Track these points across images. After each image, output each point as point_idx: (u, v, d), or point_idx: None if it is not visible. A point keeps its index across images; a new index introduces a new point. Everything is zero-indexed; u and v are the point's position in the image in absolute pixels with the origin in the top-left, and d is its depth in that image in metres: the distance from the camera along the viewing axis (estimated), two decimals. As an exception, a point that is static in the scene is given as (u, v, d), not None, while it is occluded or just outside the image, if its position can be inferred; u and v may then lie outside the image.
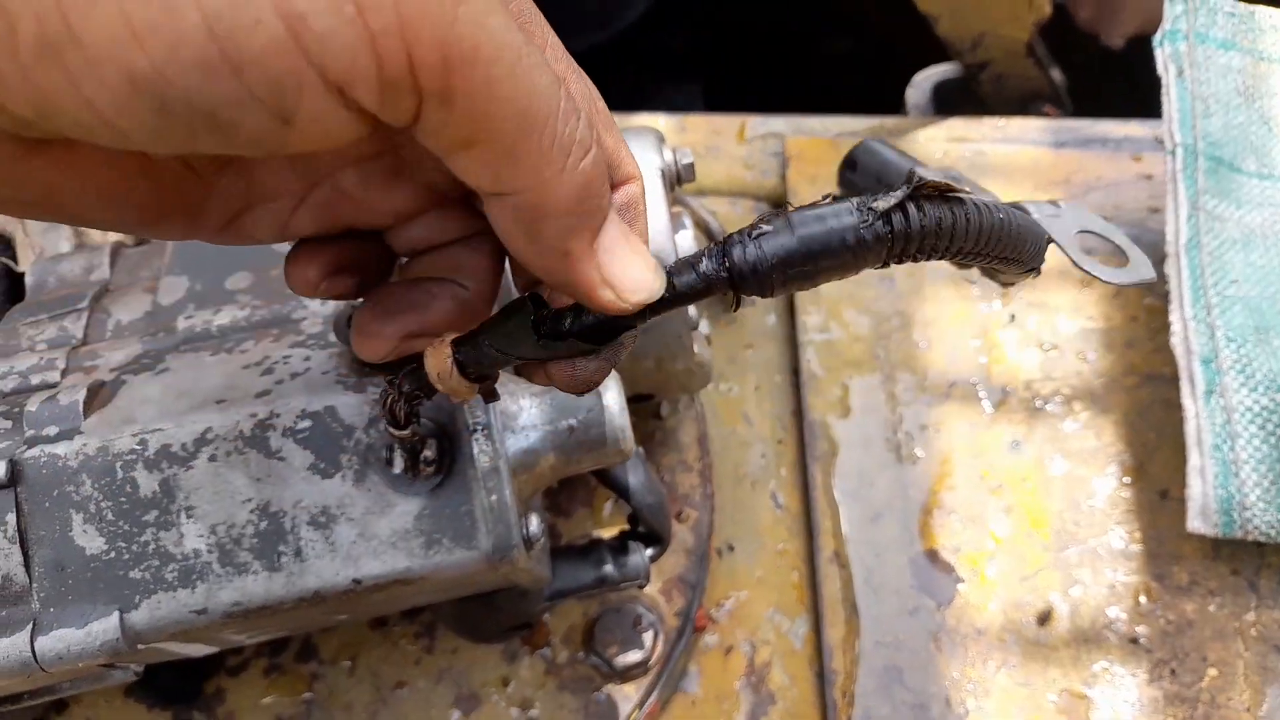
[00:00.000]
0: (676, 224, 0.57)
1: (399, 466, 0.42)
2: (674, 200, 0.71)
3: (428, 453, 0.41)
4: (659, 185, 0.55)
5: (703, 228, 0.72)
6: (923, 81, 0.92)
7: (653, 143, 0.54)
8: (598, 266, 0.28)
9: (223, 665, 0.61)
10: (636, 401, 0.63)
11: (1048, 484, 0.68)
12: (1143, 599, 0.64)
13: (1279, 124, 0.72)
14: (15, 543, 0.41)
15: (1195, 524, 0.61)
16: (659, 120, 0.83)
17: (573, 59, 0.31)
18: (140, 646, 0.42)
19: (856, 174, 0.66)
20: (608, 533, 0.57)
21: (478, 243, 0.34)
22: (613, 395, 0.46)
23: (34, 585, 0.41)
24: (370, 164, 0.32)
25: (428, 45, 0.23)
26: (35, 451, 0.42)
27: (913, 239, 0.27)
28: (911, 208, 0.27)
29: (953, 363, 0.72)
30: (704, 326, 0.61)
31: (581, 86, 0.30)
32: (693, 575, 0.64)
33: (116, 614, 0.41)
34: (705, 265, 0.28)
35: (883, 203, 0.27)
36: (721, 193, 0.82)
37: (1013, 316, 0.74)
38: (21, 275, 0.58)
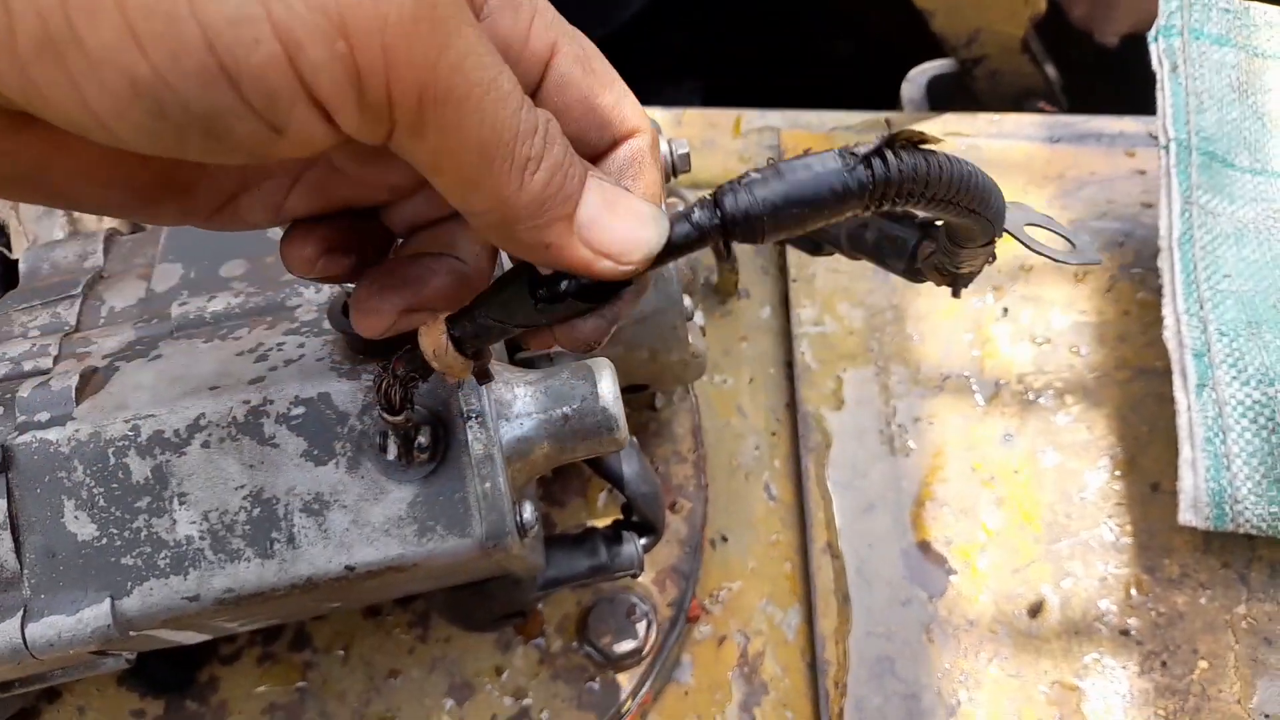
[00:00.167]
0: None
1: (393, 453, 0.41)
2: (669, 192, 0.71)
3: (421, 439, 0.41)
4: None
5: (698, 220, 0.72)
6: (918, 76, 0.93)
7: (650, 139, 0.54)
8: (585, 244, 0.29)
9: (216, 654, 0.61)
10: (631, 392, 0.63)
11: (1040, 477, 0.68)
12: (1134, 591, 0.64)
13: (1272, 119, 0.72)
14: (6, 529, 0.41)
15: (1186, 517, 0.61)
16: (655, 114, 0.83)
17: (565, 21, 0.31)
18: (132, 633, 0.42)
19: None
20: (602, 523, 0.58)
21: None
22: (607, 385, 0.46)
23: (25, 571, 0.41)
24: (361, 144, 0.32)
25: (407, 84, 0.24)
26: (27, 437, 0.42)
27: (892, 183, 0.29)
28: (889, 154, 0.29)
29: (946, 356, 0.73)
30: (699, 318, 0.62)
31: (574, 49, 0.31)
32: (686, 565, 0.64)
33: (108, 600, 0.41)
34: (699, 215, 0.29)
35: (864, 148, 0.29)
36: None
37: (1006, 310, 0.74)
38: (15, 262, 0.58)
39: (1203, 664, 0.62)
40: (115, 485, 0.42)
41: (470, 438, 0.42)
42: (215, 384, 0.43)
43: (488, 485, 0.42)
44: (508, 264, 0.43)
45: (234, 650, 0.61)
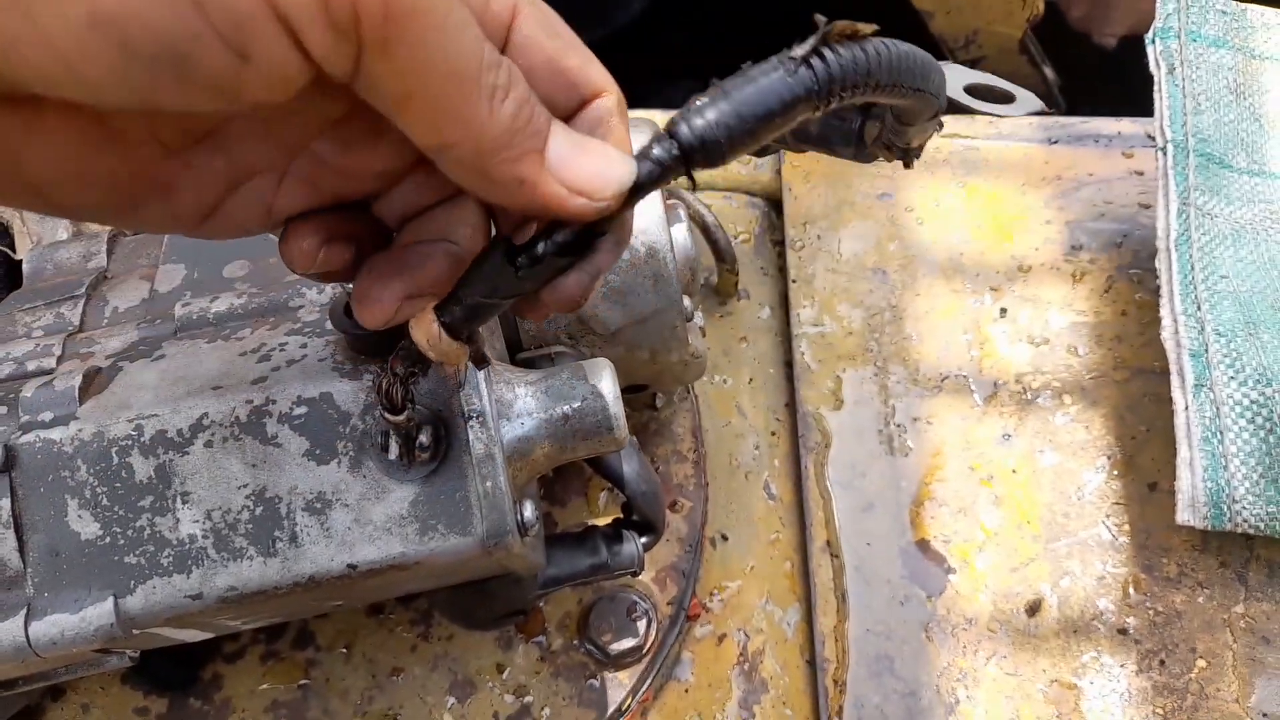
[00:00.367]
0: (671, 216, 0.57)
1: (394, 453, 0.42)
2: (669, 194, 0.71)
3: (423, 439, 0.41)
4: (654, 177, 0.55)
5: (698, 221, 0.72)
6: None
7: (650, 135, 0.55)
8: (558, 180, 0.30)
9: (219, 652, 0.61)
10: (631, 392, 0.63)
11: (1038, 476, 0.68)
12: (1132, 590, 0.65)
13: (1270, 121, 0.73)
14: (10, 528, 0.41)
15: (1184, 516, 0.61)
16: (655, 114, 0.83)
17: None
18: (135, 632, 0.42)
19: None
20: (602, 522, 0.58)
21: (462, 200, 0.34)
22: (607, 384, 0.46)
23: (28, 570, 0.41)
24: (343, 129, 0.32)
25: None
26: (30, 437, 0.42)
27: (835, 79, 0.30)
28: (827, 52, 0.29)
29: (944, 356, 0.73)
30: (699, 319, 0.62)
31: (535, 12, 0.31)
32: (686, 564, 0.65)
33: (111, 599, 0.41)
34: (657, 151, 0.30)
35: (800, 49, 0.29)
36: (717, 188, 0.83)
37: (1004, 310, 0.74)
38: (19, 263, 0.59)
39: (1201, 663, 0.62)
40: (118, 484, 0.42)
41: (471, 437, 0.42)
42: (218, 384, 0.44)
43: (489, 484, 0.42)
44: None
45: (237, 648, 0.62)
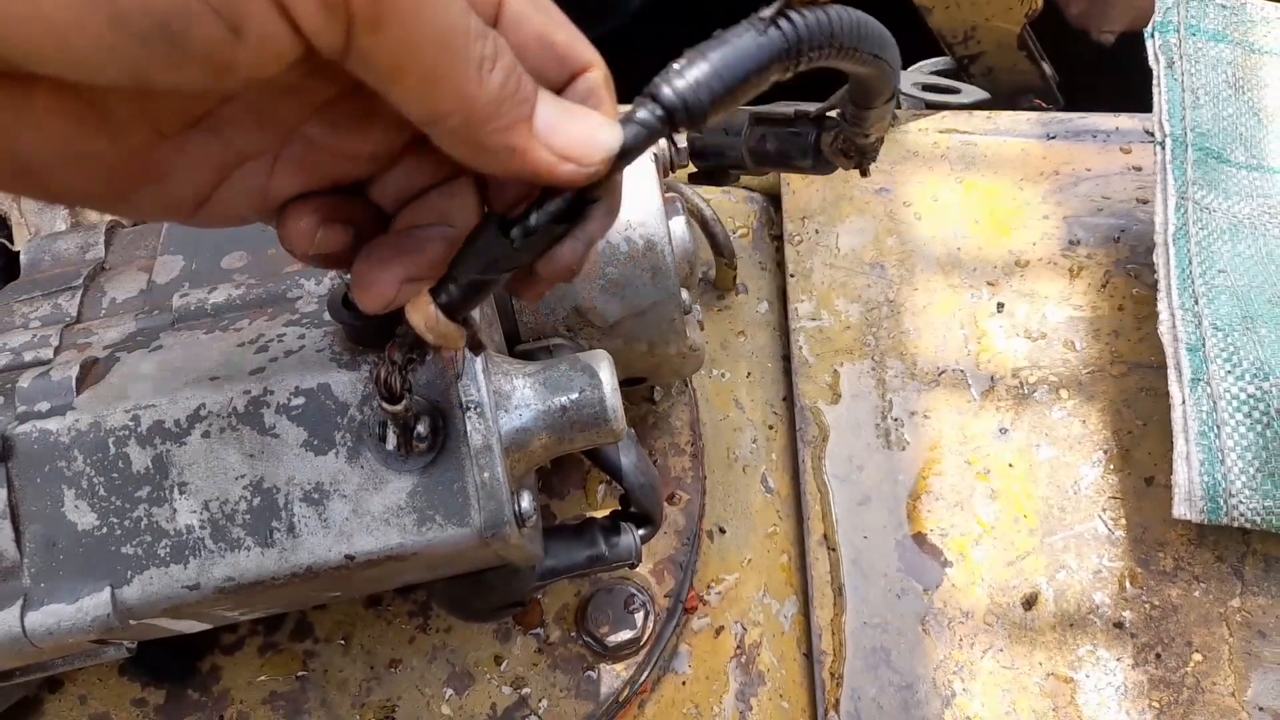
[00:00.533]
0: (670, 210, 0.57)
1: (392, 443, 0.42)
2: (668, 187, 0.71)
3: (420, 429, 0.41)
4: (653, 171, 0.55)
5: (696, 216, 0.72)
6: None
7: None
8: (547, 147, 0.30)
9: (217, 643, 0.62)
10: (629, 385, 0.63)
11: (1034, 470, 0.69)
12: (1128, 584, 0.65)
13: (1269, 116, 0.73)
14: (6, 518, 0.41)
15: (1181, 510, 0.61)
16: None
17: None
18: (132, 622, 0.42)
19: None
20: (600, 514, 0.58)
21: (457, 183, 0.34)
22: (606, 376, 0.46)
23: (25, 561, 0.41)
24: (334, 111, 0.32)
25: None
26: (27, 427, 0.42)
27: (804, 39, 0.31)
28: (793, 14, 0.31)
29: (941, 350, 0.73)
30: (697, 312, 0.62)
31: None
32: (684, 557, 0.65)
33: (108, 589, 0.41)
34: (641, 114, 0.31)
35: (767, 12, 0.31)
36: (715, 182, 0.82)
37: (1001, 305, 0.75)
38: (17, 254, 0.59)
39: (1197, 657, 0.62)
40: (115, 475, 0.42)
41: (469, 428, 0.42)
42: (216, 375, 0.44)
43: (486, 475, 0.42)
44: None
45: (235, 639, 0.62)
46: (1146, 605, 0.64)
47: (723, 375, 0.74)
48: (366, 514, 0.42)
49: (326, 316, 0.46)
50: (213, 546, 0.42)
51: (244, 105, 0.31)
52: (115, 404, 0.43)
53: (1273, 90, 0.73)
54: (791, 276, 0.77)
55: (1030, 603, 0.65)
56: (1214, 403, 0.62)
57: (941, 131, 0.83)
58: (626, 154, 0.31)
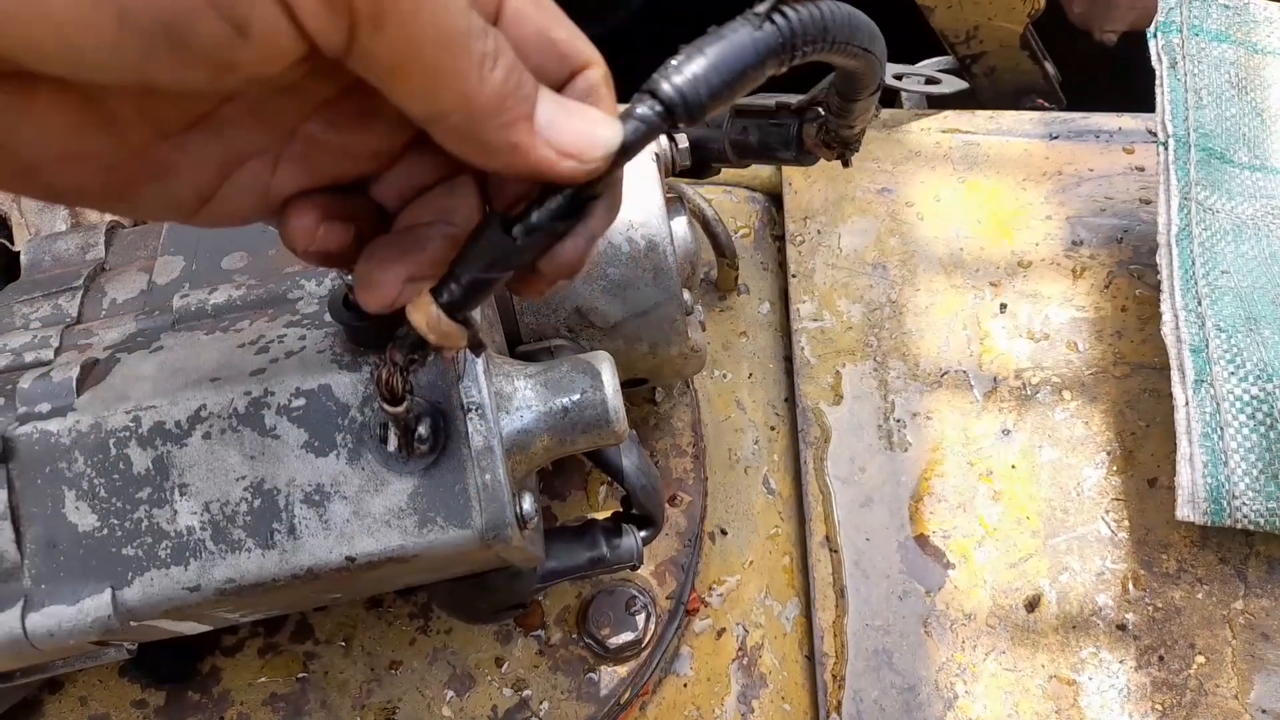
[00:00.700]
0: (672, 210, 0.57)
1: (393, 445, 0.42)
2: (670, 187, 0.71)
3: (422, 431, 0.41)
4: (654, 171, 0.55)
5: (698, 216, 0.72)
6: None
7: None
8: (548, 144, 0.30)
9: (218, 645, 0.61)
10: (631, 386, 0.63)
11: (1037, 472, 0.68)
12: (1131, 586, 0.65)
13: (1271, 116, 0.72)
14: (7, 519, 0.41)
15: (1184, 512, 0.61)
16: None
17: None
18: (133, 624, 0.42)
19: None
20: (602, 515, 0.58)
21: (459, 181, 0.34)
22: (607, 377, 0.46)
23: (25, 562, 0.41)
24: (335, 109, 0.32)
25: None
26: (28, 428, 0.42)
27: (797, 33, 0.31)
28: (787, 8, 0.31)
29: (944, 351, 0.73)
30: (698, 313, 0.62)
31: None
32: (685, 558, 0.65)
33: (109, 591, 0.41)
34: (640, 110, 0.31)
35: (761, 7, 0.31)
36: (716, 182, 0.82)
37: (1004, 306, 0.74)
38: (17, 254, 0.58)
39: (1200, 659, 0.62)
40: (116, 476, 0.42)
41: (470, 429, 0.42)
42: (216, 375, 0.44)
43: (487, 477, 0.42)
44: None
45: (236, 641, 0.62)
46: (1149, 607, 0.64)
47: (724, 376, 0.74)
48: (367, 515, 0.42)
49: (327, 317, 0.46)
50: (213, 548, 0.42)
51: (246, 104, 0.31)
52: (116, 405, 0.43)
53: (1276, 90, 0.73)
54: (793, 277, 0.77)
55: (1033, 605, 0.64)
56: (1217, 404, 0.62)
57: (944, 131, 0.83)
58: (626, 150, 0.31)
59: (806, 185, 0.81)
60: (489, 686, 0.61)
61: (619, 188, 0.35)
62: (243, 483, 0.42)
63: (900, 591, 0.65)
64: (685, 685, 0.63)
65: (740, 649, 0.64)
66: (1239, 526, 0.61)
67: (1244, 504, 0.60)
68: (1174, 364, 0.64)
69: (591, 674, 0.61)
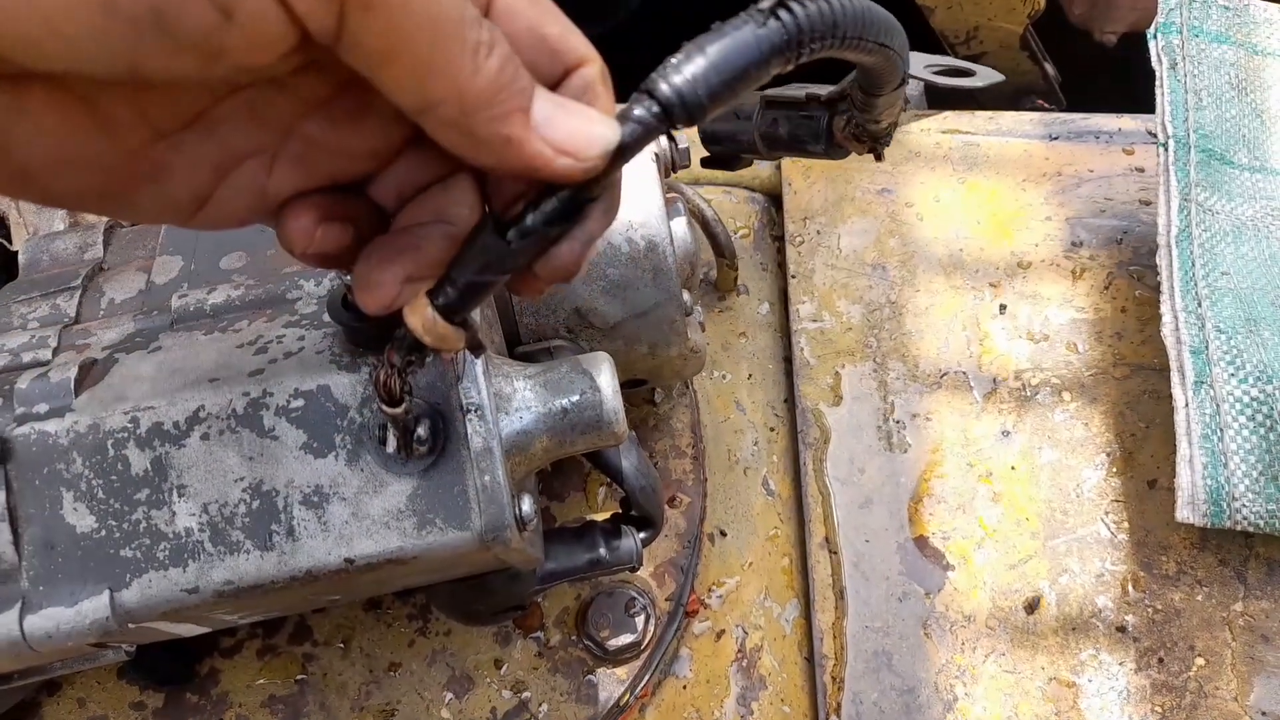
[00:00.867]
0: (671, 210, 0.57)
1: (392, 446, 0.42)
2: (669, 187, 0.71)
3: (421, 432, 0.41)
4: (654, 171, 0.55)
5: (698, 216, 0.72)
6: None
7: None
8: (543, 140, 0.29)
9: (216, 646, 0.61)
10: (630, 387, 0.63)
11: (1037, 473, 0.68)
12: (1131, 588, 0.64)
13: (1271, 117, 0.72)
14: (4, 520, 0.41)
15: (1184, 514, 0.61)
16: (654, 108, 0.83)
17: None
18: (131, 626, 0.42)
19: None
20: (601, 517, 0.58)
21: (457, 180, 0.34)
22: (606, 379, 0.46)
23: (23, 564, 0.41)
24: (330, 107, 0.32)
25: None
26: (25, 429, 0.42)
27: (804, 29, 0.30)
28: (793, 4, 0.30)
29: (943, 352, 0.73)
30: (698, 314, 0.62)
31: None
32: (685, 560, 0.64)
33: (107, 593, 0.41)
34: (638, 111, 0.30)
35: (766, 3, 0.30)
36: (716, 182, 0.82)
37: (1003, 307, 0.74)
38: (15, 254, 0.58)
39: (1200, 661, 0.62)
40: (114, 477, 0.42)
41: (469, 431, 0.42)
42: (215, 376, 0.43)
43: (486, 478, 0.42)
44: None
45: (234, 643, 0.62)
46: (1149, 609, 0.64)
47: (724, 377, 0.74)
48: (366, 517, 0.42)
49: (326, 318, 0.46)
50: (212, 550, 0.42)
51: (241, 103, 0.30)
52: (114, 406, 0.43)
53: (1276, 92, 0.73)
54: (793, 277, 0.77)
55: (1032, 606, 0.64)
56: (1217, 405, 0.62)
57: (944, 132, 0.82)
58: (624, 151, 0.30)
59: (806, 186, 0.81)
60: (488, 688, 0.61)
61: (617, 190, 0.34)
62: (241, 484, 0.42)
63: (900, 593, 0.65)
64: (684, 687, 0.63)
65: (740, 651, 0.64)
66: (1239, 528, 0.61)
67: (1244, 506, 0.60)
68: (1174, 365, 0.64)
69: (591, 676, 0.61)
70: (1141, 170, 0.79)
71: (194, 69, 0.26)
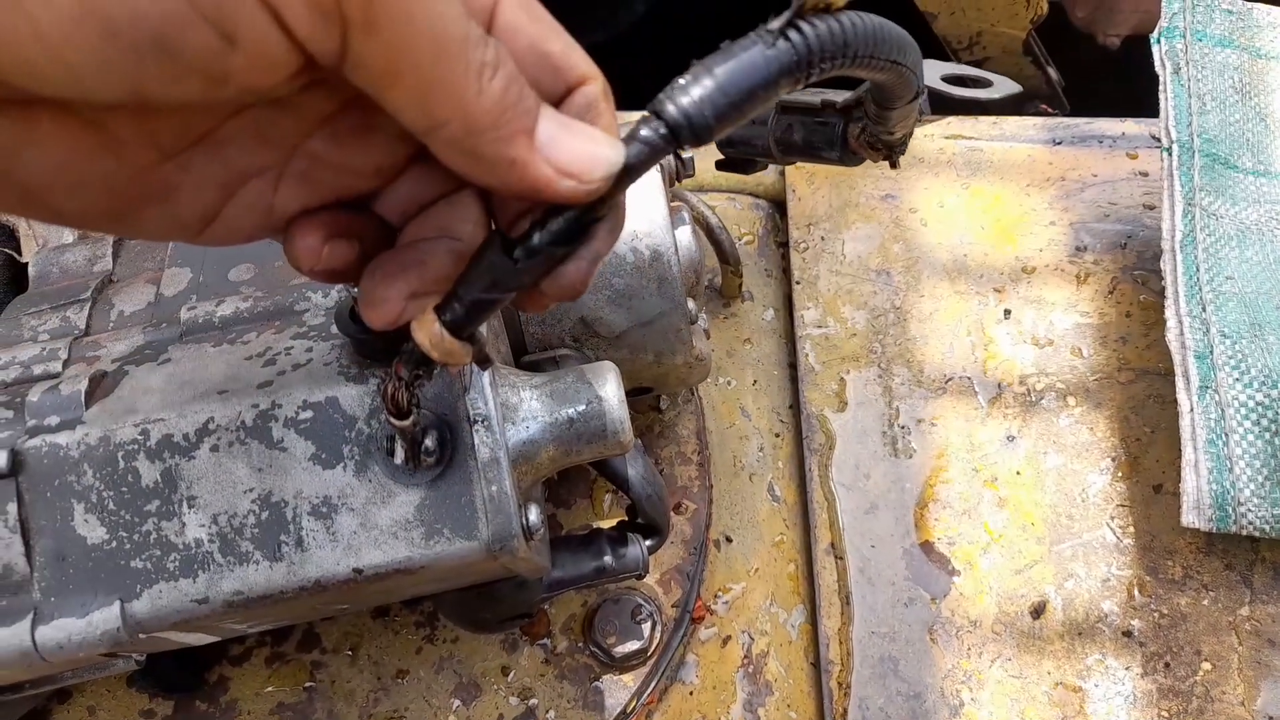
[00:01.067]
0: (675, 219, 0.57)
1: (400, 457, 0.42)
2: (673, 196, 0.71)
3: (428, 443, 0.42)
4: (659, 180, 0.56)
5: (702, 224, 0.72)
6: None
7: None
8: (547, 162, 0.29)
9: (225, 654, 0.62)
10: (636, 395, 0.63)
11: (1042, 478, 0.68)
12: (1136, 593, 0.64)
13: (1275, 121, 0.72)
14: (16, 532, 0.41)
15: (1189, 519, 0.61)
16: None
17: None
18: (141, 636, 0.42)
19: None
20: (607, 524, 0.58)
21: (462, 196, 0.34)
22: (612, 388, 0.46)
23: (35, 575, 0.42)
24: (335, 124, 0.32)
25: None
26: (37, 441, 0.42)
27: (813, 50, 0.30)
28: (804, 24, 0.30)
29: (948, 357, 0.73)
30: (703, 321, 0.62)
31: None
32: (691, 566, 0.65)
33: (118, 603, 0.41)
34: (645, 132, 0.30)
35: (776, 23, 0.30)
36: (720, 189, 0.82)
37: (1008, 312, 0.74)
38: (25, 266, 0.59)
39: (1206, 666, 0.62)
40: (125, 489, 0.42)
41: (477, 441, 0.42)
42: (224, 388, 0.44)
43: (494, 489, 0.42)
44: None
45: (243, 650, 0.62)
46: (1155, 614, 0.64)
47: (729, 383, 0.74)
48: (374, 528, 0.42)
49: (334, 329, 0.46)
50: (221, 560, 0.42)
51: (246, 122, 0.31)
52: (124, 418, 0.43)
53: (1279, 96, 0.73)
54: (797, 284, 0.77)
55: (1038, 611, 0.64)
56: (1222, 410, 0.62)
57: (947, 138, 0.83)
58: (630, 172, 0.30)
59: (810, 192, 0.81)
60: (495, 695, 0.61)
61: (622, 208, 0.34)
62: (250, 495, 0.42)
63: (905, 598, 0.65)
64: (691, 693, 0.63)
65: (746, 656, 0.64)
66: (1244, 533, 0.61)
67: (1249, 510, 0.60)
68: (1178, 370, 0.64)
69: (597, 682, 0.61)
70: (1145, 175, 0.79)
71: (198, 93, 0.26)
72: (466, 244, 0.34)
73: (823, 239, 0.79)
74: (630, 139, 0.30)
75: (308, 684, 0.61)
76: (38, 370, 0.47)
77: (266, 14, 0.24)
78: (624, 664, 0.61)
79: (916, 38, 0.36)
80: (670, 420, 0.70)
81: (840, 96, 0.55)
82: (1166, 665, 0.62)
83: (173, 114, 0.29)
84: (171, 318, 0.50)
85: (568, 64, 0.32)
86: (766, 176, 0.82)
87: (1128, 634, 0.63)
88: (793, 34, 0.30)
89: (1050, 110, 0.92)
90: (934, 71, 0.56)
